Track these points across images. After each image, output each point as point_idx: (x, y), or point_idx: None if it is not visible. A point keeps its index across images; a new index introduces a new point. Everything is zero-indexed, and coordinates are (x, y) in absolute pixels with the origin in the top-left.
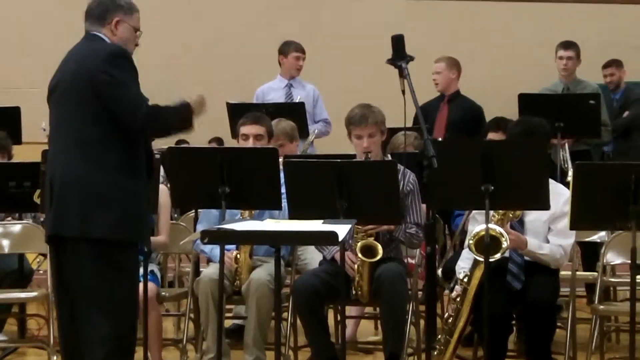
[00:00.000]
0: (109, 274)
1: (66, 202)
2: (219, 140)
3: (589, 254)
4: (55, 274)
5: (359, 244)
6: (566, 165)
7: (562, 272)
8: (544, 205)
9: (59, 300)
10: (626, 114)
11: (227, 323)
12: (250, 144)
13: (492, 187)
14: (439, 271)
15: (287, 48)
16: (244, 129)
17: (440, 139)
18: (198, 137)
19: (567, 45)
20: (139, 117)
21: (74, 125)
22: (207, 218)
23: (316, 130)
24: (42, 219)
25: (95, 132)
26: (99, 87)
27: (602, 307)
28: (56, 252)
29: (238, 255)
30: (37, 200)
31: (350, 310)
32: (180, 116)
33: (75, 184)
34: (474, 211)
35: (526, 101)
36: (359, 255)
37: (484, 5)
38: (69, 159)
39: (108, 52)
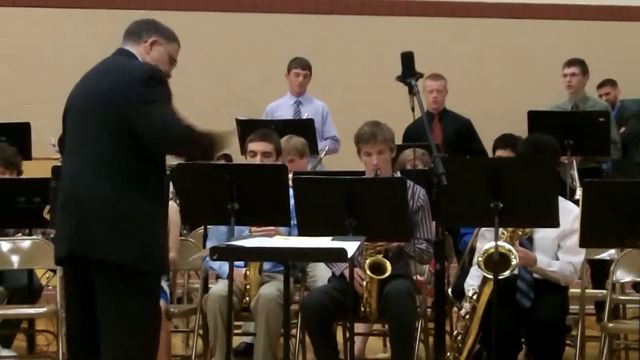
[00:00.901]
0: (133, 298)
1: (92, 223)
2: (227, 156)
3: (598, 272)
4: (71, 292)
5: (367, 261)
6: (575, 184)
7: (572, 290)
8: (554, 223)
9: (73, 316)
10: (622, 130)
11: (236, 340)
12: (257, 160)
13: (502, 205)
14: (449, 290)
15: (290, 65)
16: (252, 146)
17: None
18: None
19: (571, 62)
20: (167, 137)
21: (103, 144)
22: (216, 234)
23: (327, 147)
24: (52, 235)
25: (125, 154)
26: (129, 106)
27: (611, 325)
28: (73, 270)
29: (247, 272)
30: (47, 216)
31: (359, 327)
32: (205, 147)
33: (103, 206)
34: (482, 229)
35: (535, 118)
36: (368, 272)
37: (493, 22)
38: (96, 178)
39: (145, 73)
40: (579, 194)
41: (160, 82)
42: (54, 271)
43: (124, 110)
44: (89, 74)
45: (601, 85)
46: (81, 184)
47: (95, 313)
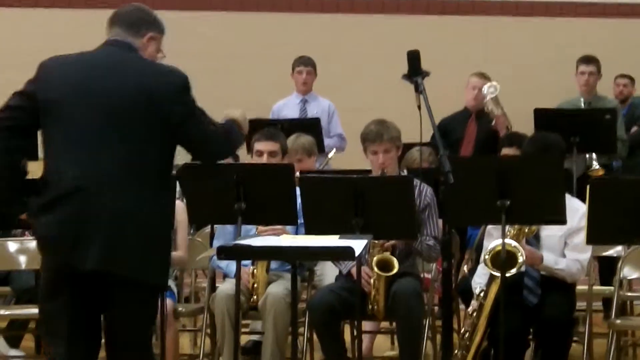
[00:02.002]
0: (149, 318)
1: (122, 238)
2: (234, 155)
3: (606, 269)
4: (75, 301)
5: (375, 259)
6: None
7: (579, 287)
8: (561, 220)
9: (75, 326)
10: (634, 129)
11: (244, 339)
12: (264, 160)
13: (508, 203)
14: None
15: (294, 64)
16: (258, 145)
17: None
18: None
19: (589, 60)
20: (222, 150)
21: (135, 153)
22: (223, 234)
23: (334, 150)
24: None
25: (156, 165)
26: (175, 119)
27: (618, 321)
28: (85, 281)
29: (255, 271)
30: None
31: (366, 326)
32: (237, 140)
33: (134, 220)
34: (489, 226)
35: (541, 116)
36: (375, 269)
37: (499, 20)
38: (125, 189)
39: (184, 81)
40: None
41: (190, 89)
42: None
43: (170, 119)
44: (93, 64)
45: (622, 76)
46: (104, 193)
47: (96, 324)
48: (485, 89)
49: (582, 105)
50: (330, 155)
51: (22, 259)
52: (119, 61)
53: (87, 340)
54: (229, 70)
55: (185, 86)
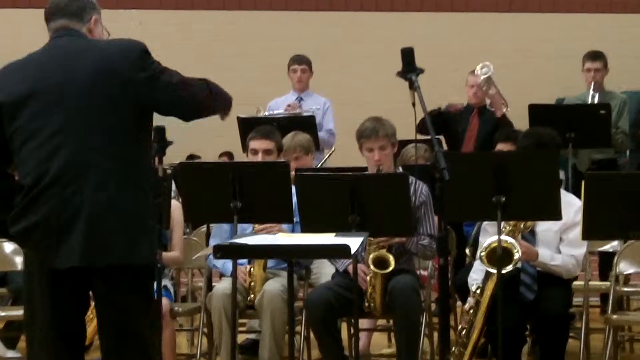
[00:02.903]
0: (142, 303)
1: (104, 229)
2: (229, 154)
3: (605, 264)
4: (60, 299)
5: (371, 256)
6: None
7: (575, 282)
8: (556, 215)
9: (61, 322)
10: None
11: (241, 337)
12: (259, 158)
13: (504, 199)
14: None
15: (289, 62)
16: (253, 144)
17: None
18: (209, 151)
19: (595, 56)
20: (200, 100)
21: (106, 136)
22: (219, 233)
23: (323, 140)
24: None
25: (130, 145)
26: (141, 88)
27: (615, 316)
28: (72, 278)
29: (251, 270)
30: None
31: (363, 323)
32: (222, 93)
33: (116, 210)
34: (484, 223)
35: (536, 112)
36: (371, 267)
37: (493, 16)
38: (99, 175)
39: (139, 48)
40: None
41: (151, 54)
42: None
43: (136, 90)
44: (46, 59)
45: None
46: (82, 186)
47: (82, 321)
48: (478, 69)
49: (590, 100)
50: (329, 152)
51: (19, 259)
52: (71, 49)
53: (70, 340)
54: (226, 68)
55: (142, 51)
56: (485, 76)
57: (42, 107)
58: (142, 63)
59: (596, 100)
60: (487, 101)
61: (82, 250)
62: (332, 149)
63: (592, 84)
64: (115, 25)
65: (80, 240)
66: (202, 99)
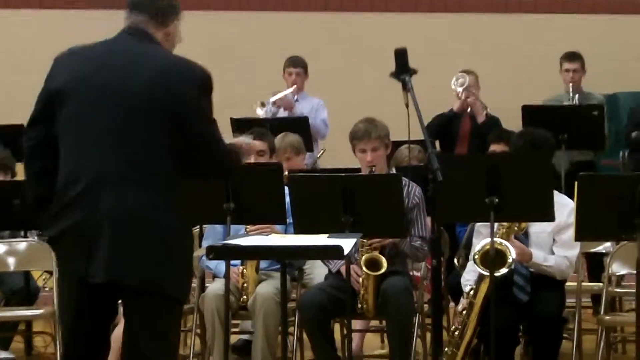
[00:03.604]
0: (165, 335)
1: (132, 249)
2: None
3: (595, 265)
4: (81, 311)
5: (363, 257)
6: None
7: (568, 284)
8: (549, 217)
9: (79, 337)
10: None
11: (234, 338)
12: (252, 159)
13: (497, 200)
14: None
15: (284, 65)
16: None
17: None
18: None
19: (573, 57)
20: (225, 165)
21: (147, 152)
22: (212, 234)
23: (317, 128)
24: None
25: (169, 164)
26: (187, 120)
27: (608, 317)
28: (94, 291)
29: (244, 271)
30: None
31: (356, 324)
32: (238, 163)
33: (143, 225)
34: (477, 224)
35: (529, 113)
36: (364, 268)
37: (487, 17)
38: (134, 191)
39: (204, 80)
40: None
41: (211, 89)
42: (51, 273)
43: (183, 120)
44: (107, 54)
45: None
46: (105, 194)
47: (103, 334)
48: (453, 82)
49: (569, 101)
50: (319, 155)
51: (11, 260)
52: (136, 52)
53: (90, 350)
54: (221, 69)
55: (205, 85)
56: (462, 87)
57: (88, 107)
58: (198, 100)
59: (576, 102)
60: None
61: (107, 266)
62: (324, 139)
63: (571, 84)
64: (110, 26)
65: (106, 255)
66: (223, 169)
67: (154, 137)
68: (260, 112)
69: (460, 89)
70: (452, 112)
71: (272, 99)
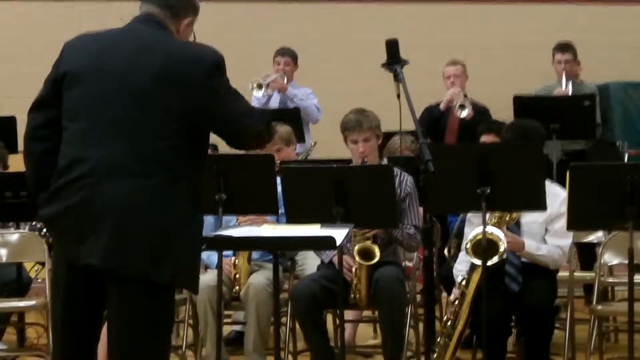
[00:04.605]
0: (153, 324)
1: (127, 234)
2: (214, 147)
3: (587, 255)
4: (73, 297)
5: (356, 247)
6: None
7: (560, 273)
8: (541, 206)
9: (69, 323)
10: None
11: (226, 329)
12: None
13: (489, 190)
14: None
15: (274, 55)
16: None
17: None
18: None
19: (565, 47)
20: (255, 134)
21: (154, 140)
22: (204, 225)
23: (313, 142)
24: (40, 226)
25: (175, 155)
26: (203, 107)
27: (600, 307)
28: (85, 276)
29: (236, 261)
30: None
31: (349, 314)
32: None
33: (143, 214)
34: (469, 214)
35: (521, 104)
36: (357, 258)
37: (477, 7)
38: (137, 179)
39: (211, 64)
40: None
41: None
42: (43, 264)
43: (196, 103)
44: (117, 42)
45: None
46: (107, 182)
47: (95, 320)
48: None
49: (562, 90)
50: (311, 146)
51: (3, 252)
52: (147, 38)
53: (78, 338)
54: None
55: (216, 69)
56: (465, 111)
57: (96, 92)
58: (212, 81)
59: (569, 90)
60: (454, 102)
61: (103, 252)
62: (316, 123)
63: (563, 75)
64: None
65: (104, 242)
66: (254, 134)
67: (161, 128)
68: (258, 94)
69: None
70: (439, 110)
71: (265, 81)
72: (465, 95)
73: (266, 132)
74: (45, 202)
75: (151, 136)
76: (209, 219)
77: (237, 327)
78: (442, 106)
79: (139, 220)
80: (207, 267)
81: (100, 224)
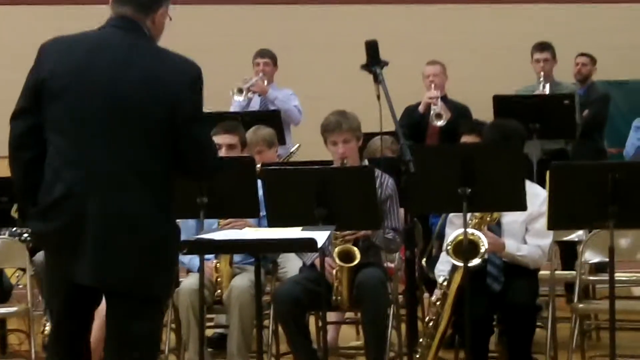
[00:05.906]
0: (152, 327)
1: (115, 251)
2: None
3: (568, 253)
4: (67, 312)
5: (336, 250)
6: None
7: (541, 272)
8: (521, 206)
9: (64, 337)
10: (585, 112)
11: (209, 333)
12: (222, 153)
13: (470, 190)
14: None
15: (253, 56)
16: (217, 139)
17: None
18: None
19: (543, 47)
20: (212, 168)
21: (138, 153)
22: (185, 228)
23: (296, 145)
24: (20, 232)
25: (159, 164)
26: (179, 119)
27: (581, 305)
28: (79, 292)
29: (218, 265)
30: (15, 215)
31: (331, 316)
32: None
33: (132, 227)
34: (450, 215)
35: (501, 103)
36: (337, 260)
37: (457, 8)
38: (123, 192)
39: (192, 77)
40: None
41: (202, 85)
42: (24, 270)
43: (174, 118)
44: (95, 49)
45: (582, 54)
46: (95, 194)
47: (86, 330)
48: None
49: (539, 89)
50: (293, 149)
51: None
52: (126, 47)
53: (72, 346)
54: None
55: (196, 81)
56: (441, 121)
57: (78, 106)
58: (192, 95)
59: (547, 91)
60: (434, 107)
61: (93, 269)
62: (297, 125)
63: (542, 74)
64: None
65: (93, 259)
66: (209, 172)
67: (144, 139)
68: (239, 99)
69: (438, 123)
70: (419, 114)
71: (246, 85)
72: (445, 96)
73: (220, 172)
74: (34, 217)
75: (136, 148)
76: (190, 223)
77: (220, 330)
78: (420, 108)
79: (126, 236)
80: (188, 271)
81: (89, 241)
